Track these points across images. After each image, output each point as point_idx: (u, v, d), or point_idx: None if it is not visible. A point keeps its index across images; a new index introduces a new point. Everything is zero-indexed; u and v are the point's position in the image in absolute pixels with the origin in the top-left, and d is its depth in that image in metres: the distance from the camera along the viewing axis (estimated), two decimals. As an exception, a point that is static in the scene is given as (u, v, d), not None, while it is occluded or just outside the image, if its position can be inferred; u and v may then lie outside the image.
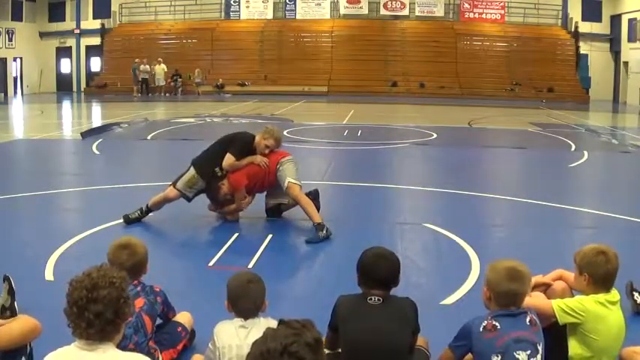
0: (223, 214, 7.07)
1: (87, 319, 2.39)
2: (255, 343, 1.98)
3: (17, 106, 27.51)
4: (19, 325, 3.18)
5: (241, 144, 6.82)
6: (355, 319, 3.20)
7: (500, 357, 3.00)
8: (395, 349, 3.15)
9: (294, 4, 36.31)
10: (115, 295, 2.44)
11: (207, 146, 7.13)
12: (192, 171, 6.86)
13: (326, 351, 3.14)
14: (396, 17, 35.94)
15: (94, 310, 2.39)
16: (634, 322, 3.86)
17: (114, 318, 2.43)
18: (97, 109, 26.75)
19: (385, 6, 35.89)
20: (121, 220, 6.78)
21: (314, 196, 6.93)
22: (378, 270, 3.26)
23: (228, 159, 6.74)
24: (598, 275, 3.35)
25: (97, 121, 20.56)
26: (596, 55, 34.49)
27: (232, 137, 6.98)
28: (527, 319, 3.10)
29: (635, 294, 4.54)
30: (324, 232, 6.34)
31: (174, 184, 6.90)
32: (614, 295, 3.39)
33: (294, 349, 1.89)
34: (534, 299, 3.52)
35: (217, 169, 6.81)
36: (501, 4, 35.52)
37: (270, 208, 7.15)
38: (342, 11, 36.19)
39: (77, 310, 2.40)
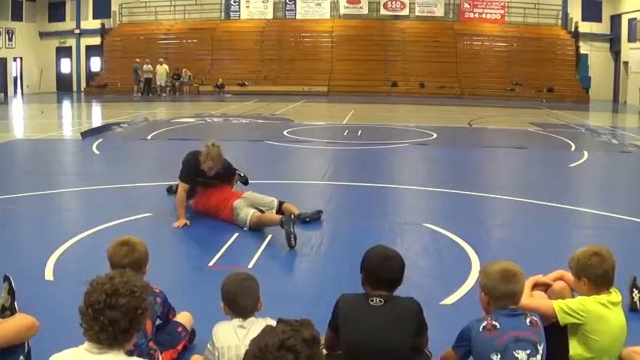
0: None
1: (101, 323, 2.35)
2: (253, 340, 1.99)
3: (17, 106, 27.50)
4: (16, 322, 3.16)
5: (186, 170, 6.97)
6: (355, 320, 3.19)
7: (499, 356, 3.01)
8: (394, 351, 3.14)
9: (294, 4, 36.31)
10: (133, 305, 2.41)
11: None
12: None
13: (324, 351, 3.14)
14: (396, 17, 35.95)
15: (110, 316, 2.36)
16: (634, 322, 3.85)
17: (129, 327, 2.40)
18: (97, 109, 26.73)
19: (385, 6, 35.89)
20: (121, 220, 6.79)
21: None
22: (385, 271, 3.24)
23: (180, 187, 6.95)
24: (596, 277, 3.35)
25: (97, 121, 20.53)
26: (596, 55, 34.48)
27: (184, 160, 7.08)
28: (528, 320, 3.10)
29: (635, 291, 4.54)
30: (288, 226, 6.09)
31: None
32: (616, 295, 3.39)
33: (290, 344, 1.90)
34: (536, 300, 3.52)
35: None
36: (501, 4, 35.52)
37: None
38: (342, 11, 36.19)
39: (93, 312, 2.37)
